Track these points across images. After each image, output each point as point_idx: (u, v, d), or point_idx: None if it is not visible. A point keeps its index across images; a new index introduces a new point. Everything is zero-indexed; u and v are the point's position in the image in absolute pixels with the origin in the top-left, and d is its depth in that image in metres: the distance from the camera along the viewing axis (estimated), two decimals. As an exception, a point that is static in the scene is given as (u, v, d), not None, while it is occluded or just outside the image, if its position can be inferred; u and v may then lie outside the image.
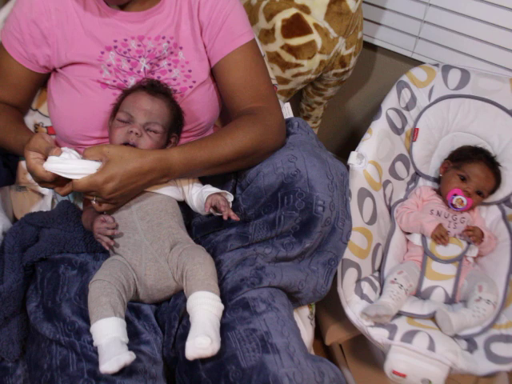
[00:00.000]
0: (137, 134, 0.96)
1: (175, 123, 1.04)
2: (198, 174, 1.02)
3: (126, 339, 0.81)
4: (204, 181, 1.06)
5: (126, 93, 1.02)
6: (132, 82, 1.05)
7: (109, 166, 0.87)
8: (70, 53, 1.03)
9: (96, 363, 0.79)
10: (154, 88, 1.01)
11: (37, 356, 0.86)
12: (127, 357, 0.77)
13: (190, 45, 1.08)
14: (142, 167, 0.89)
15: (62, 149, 0.89)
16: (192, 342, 0.79)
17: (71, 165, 0.86)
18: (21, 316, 0.94)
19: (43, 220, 1.03)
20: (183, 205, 1.04)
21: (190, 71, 1.08)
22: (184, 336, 0.82)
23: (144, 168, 0.90)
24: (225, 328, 0.86)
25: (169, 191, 0.99)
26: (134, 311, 0.92)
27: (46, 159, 0.88)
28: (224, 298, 0.90)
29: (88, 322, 0.84)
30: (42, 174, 0.88)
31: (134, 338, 0.85)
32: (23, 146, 0.93)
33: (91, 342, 0.81)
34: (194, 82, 1.08)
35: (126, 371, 0.78)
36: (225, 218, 0.95)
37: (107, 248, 0.92)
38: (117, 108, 1.01)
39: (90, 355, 0.81)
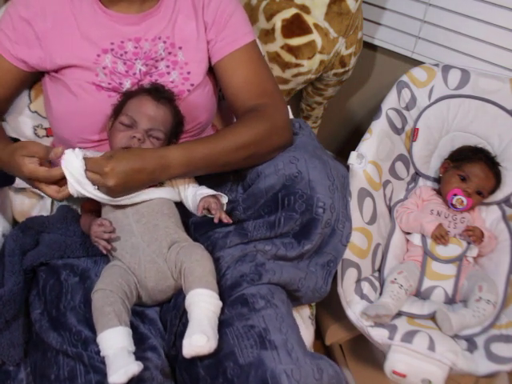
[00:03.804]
0: (139, 139, 0.95)
1: (176, 130, 1.03)
2: (202, 172, 1.00)
3: (132, 348, 0.81)
4: (200, 181, 1.06)
5: (129, 95, 1.01)
6: (127, 84, 1.05)
7: (113, 158, 0.88)
8: (66, 56, 1.02)
9: (104, 374, 0.79)
10: (158, 93, 1.00)
11: (43, 365, 0.86)
12: (135, 367, 0.77)
13: (191, 46, 1.08)
14: (142, 167, 0.90)
15: (76, 149, 0.89)
16: (188, 340, 0.79)
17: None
18: (22, 319, 0.93)
19: (43, 224, 1.03)
20: (180, 204, 1.04)
21: (188, 73, 1.08)
22: (184, 334, 0.82)
23: (146, 169, 0.90)
24: (223, 324, 0.86)
25: (164, 193, 0.98)
26: (138, 316, 0.92)
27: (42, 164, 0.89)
28: (223, 294, 0.89)
29: (94, 331, 0.84)
30: (45, 174, 0.88)
31: (140, 345, 0.85)
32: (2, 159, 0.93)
33: (98, 352, 0.81)
34: (192, 85, 1.08)
35: (133, 381, 0.78)
36: (215, 220, 0.95)
37: (104, 252, 0.92)
38: (117, 110, 1.01)
39: (98, 366, 0.81)
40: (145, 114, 0.97)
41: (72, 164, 0.87)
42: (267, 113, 1.03)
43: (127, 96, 1.01)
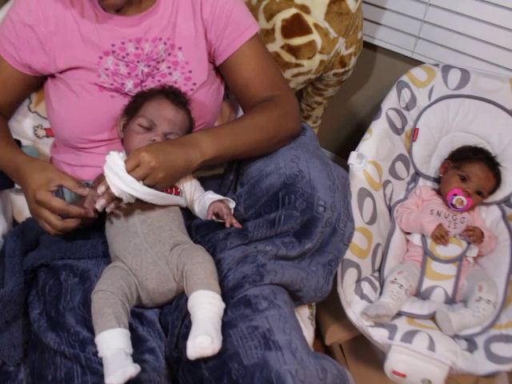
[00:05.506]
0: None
1: (188, 133, 1.04)
2: (230, 155, 1.00)
3: (130, 350, 0.81)
4: (201, 180, 1.06)
5: (145, 97, 1.01)
6: (129, 84, 1.05)
7: (146, 152, 0.89)
8: (68, 59, 1.03)
9: (100, 376, 0.79)
10: (177, 97, 1.01)
11: (40, 365, 0.86)
12: (132, 369, 0.77)
13: (191, 44, 1.08)
14: (176, 149, 0.92)
15: (111, 152, 0.89)
16: (192, 342, 0.79)
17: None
18: (22, 319, 0.93)
19: None
20: (183, 207, 1.04)
21: (190, 72, 1.08)
22: (186, 335, 0.82)
23: (180, 151, 0.92)
24: (227, 326, 0.86)
25: (176, 198, 0.98)
26: (137, 317, 0.92)
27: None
28: (225, 295, 0.89)
29: (93, 331, 0.83)
30: (63, 206, 0.90)
31: (138, 347, 0.85)
32: (15, 165, 0.95)
33: (96, 353, 0.81)
34: (195, 84, 1.08)
35: (131, 383, 0.78)
36: (227, 225, 0.95)
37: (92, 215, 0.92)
38: (132, 111, 1.01)
39: (95, 367, 0.81)
40: (165, 117, 0.98)
41: (117, 165, 0.87)
42: (279, 102, 1.06)
43: (143, 97, 1.02)
